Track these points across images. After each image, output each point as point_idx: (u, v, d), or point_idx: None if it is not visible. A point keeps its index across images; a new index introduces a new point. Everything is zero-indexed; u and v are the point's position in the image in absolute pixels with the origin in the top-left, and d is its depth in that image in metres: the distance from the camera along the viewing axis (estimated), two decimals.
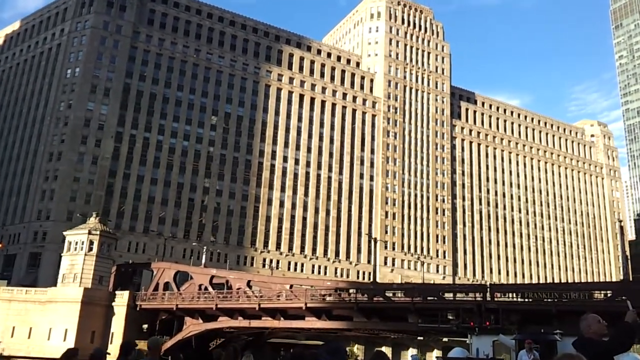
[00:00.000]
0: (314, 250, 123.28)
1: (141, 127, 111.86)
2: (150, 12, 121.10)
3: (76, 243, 60.78)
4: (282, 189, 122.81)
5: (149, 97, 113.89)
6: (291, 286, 52.14)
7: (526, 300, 40.75)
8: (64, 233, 65.79)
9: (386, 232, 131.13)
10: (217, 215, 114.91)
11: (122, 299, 59.33)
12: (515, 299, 42.31)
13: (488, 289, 41.81)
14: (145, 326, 58.53)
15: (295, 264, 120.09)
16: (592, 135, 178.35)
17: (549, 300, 39.88)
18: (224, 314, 53.86)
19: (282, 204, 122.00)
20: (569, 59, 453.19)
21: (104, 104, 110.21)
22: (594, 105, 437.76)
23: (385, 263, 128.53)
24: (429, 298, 45.03)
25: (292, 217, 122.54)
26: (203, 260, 70.17)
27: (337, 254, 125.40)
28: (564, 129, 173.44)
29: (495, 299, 41.37)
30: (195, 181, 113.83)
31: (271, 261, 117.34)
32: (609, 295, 39.82)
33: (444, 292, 45.80)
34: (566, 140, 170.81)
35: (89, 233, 60.21)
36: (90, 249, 60.02)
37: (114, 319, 58.94)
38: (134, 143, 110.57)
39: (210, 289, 55.18)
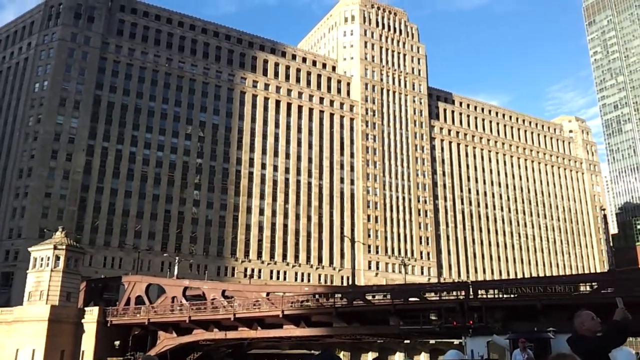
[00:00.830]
0: (296, 257, 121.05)
1: (113, 139, 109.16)
2: (120, 22, 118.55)
3: (42, 259, 57.92)
4: (262, 197, 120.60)
5: (120, 109, 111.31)
6: (268, 294, 49.96)
7: (510, 296, 39.10)
8: (29, 249, 62.88)
9: (369, 235, 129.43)
10: (195, 226, 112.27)
11: (91, 316, 56.55)
12: (499, 296, 40.60)
13: (470, 287, 40.11)
14: (117, 343, 55.79)
15: (278, 272, 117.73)
16: (571, 131, 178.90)
17: (534, 295, 38.27)
18: (199, 326, 51.46)
19: (262, 212, 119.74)
20: (545, 59, 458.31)
21: (74, 117, 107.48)
22: (571, 104, 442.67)
23: (369, 267, 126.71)
24: (410, 299, 43.20)
25: (273, 224, 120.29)
26: (175, 272, 67.59)
27: (320, 260, 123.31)
28: (543, 126, 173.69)
29: (478, 297, 39.69)
30: (171, 192, 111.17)
31: (252, 270, 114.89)
32: (595, 287, 38.36)
33: (425, 292, 44.04)
34: (545, 136, 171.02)
35: (55, 248, 57.42)
36: (57, 265, 57.19)
37: (84, 337, 56.12)
38: (106, 156, 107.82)
39: (183, 300, 52.77)
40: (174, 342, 53.12)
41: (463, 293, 39.60)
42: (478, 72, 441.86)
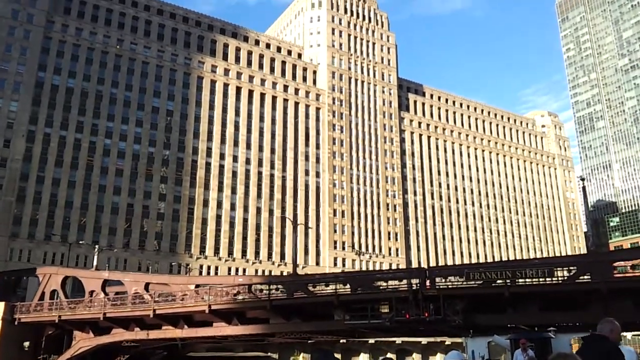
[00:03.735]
0: (256, 254, 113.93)
1: (56, 124, 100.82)
2: (67, 0, 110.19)
3: None
4: (220, 189, 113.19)
5: (65, 92, 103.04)
6: (197, 286, 42.93)
7: (473, 284, 32.79)
8: None
9: (335, 231, 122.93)
10: (146, 219, 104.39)
11: None
12: (461, 284, 34.22)
13: (426, 273, 33.70)
14: (26, 344, 48.22)
15: (237, 270, 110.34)
16: (543, 126, 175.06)
17: (501, 282, 32.02)
18: (118, 324, 44.15)
19: (219, 205, 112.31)
20: (519, 64, 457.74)
21: (14, 100, 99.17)
22: (545, 107, 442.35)
23: (335, 264, 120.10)
24: (358, 289, 36.63)
25: (232, 218, 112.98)
26: (95, 262, 60.12)
27: (282, 256, 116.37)
28: (515, 120, 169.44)
29: (436, 285, 33.28)
30: (120, 183, 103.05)
31: (209, 268, 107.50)
32: (573, 272, 32.26)
33: (374, 281, 37.52)
34: (517, 131, 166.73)
35: None
36: None
37: None
38: (48, 142, 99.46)
39: (101, 294, 45.39)
40: (92, 343, 45.71)
41: (418, 281, 33.10)
42: (451, 76, 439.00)
